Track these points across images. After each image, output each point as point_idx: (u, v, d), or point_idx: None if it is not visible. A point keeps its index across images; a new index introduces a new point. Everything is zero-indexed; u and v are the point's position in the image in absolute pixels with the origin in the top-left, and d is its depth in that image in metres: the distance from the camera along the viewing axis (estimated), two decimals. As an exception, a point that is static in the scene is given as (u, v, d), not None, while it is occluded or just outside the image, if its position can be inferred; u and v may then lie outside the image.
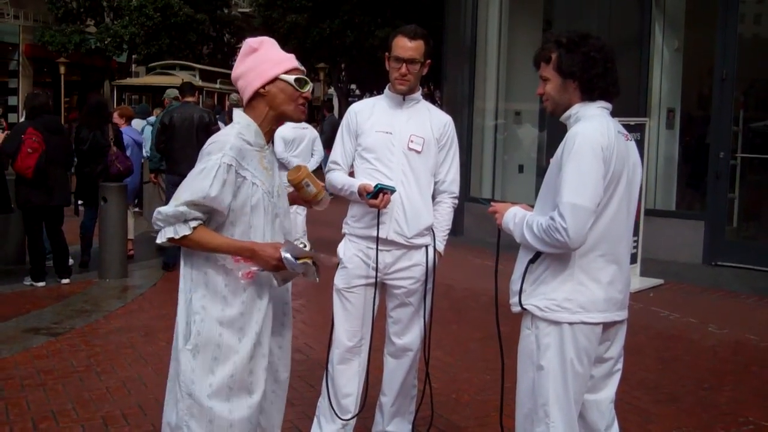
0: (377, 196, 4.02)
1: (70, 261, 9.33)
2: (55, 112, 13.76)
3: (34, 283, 8.83)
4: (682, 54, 11.96)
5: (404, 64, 4.15)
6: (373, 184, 4.04)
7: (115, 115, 11.32)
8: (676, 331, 7.47)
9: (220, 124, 10.46)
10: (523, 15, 13.77)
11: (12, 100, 31.39)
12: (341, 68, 34.27)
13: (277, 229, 3.36)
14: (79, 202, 10.65)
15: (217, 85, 25.16)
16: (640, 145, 8.83)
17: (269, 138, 3.40)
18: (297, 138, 11.21)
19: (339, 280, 4.35)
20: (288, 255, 3.13)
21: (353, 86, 38.31)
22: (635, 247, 9.17)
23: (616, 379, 3.47)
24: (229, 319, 3.23)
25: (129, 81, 30.35)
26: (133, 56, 34.37)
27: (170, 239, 3.18)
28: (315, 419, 4.54)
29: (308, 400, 5.43)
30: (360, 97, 35.07)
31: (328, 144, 17.05)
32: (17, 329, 7.11)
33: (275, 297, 3.40)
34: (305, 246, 3.23)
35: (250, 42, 3.32)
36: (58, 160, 8.80)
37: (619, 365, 3.46)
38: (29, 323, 7.35)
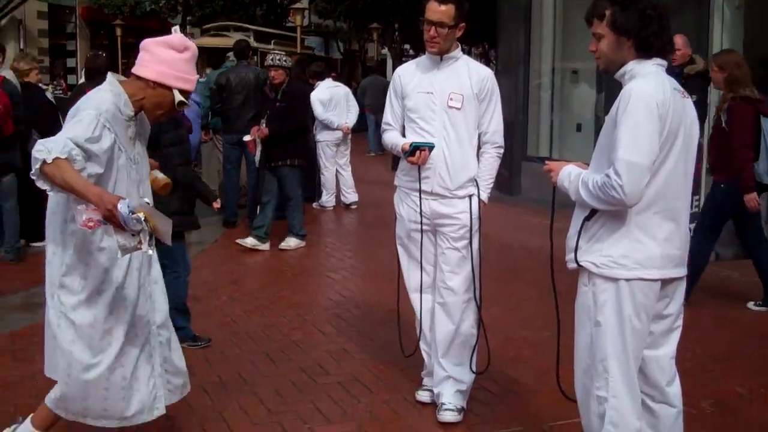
0: (414, 153, 4.31)
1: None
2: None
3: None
4: (743, 12, 11.67)
5: (433, 27, 4.36)
6: (410, 144, 4.34)
7: None
8: (738, 289, 7.38)
9: None
10: (580, -27, 13.55)
11: (70, 62, 31.87)
12: (394, 28, 34.07)
13: (142, 193, 3.57)
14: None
15: (271, 46, 25.19)
16: (701, 104, 8.68)
17: (137, 111, 3.55)
18: (333, 97, 11.50)
19: (398, 229, 4.71)
20: (123, 205, 3.07)
21: (407, 46, 38.08)
22: (697, 206, 9.06)
23: (676, 335, 3.48)
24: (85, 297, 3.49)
25: (184, 43, 30.45)
26: (188, 18, 34.56)
27: (43, 163, 3.11)
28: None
29: (368, 352, 5.57)
30: (414, 58, 34.83)
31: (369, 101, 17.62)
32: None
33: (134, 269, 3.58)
34: (150, 204, 3.21)
35: (179, 40, 3.51)
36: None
37: (679, 322, 3.47)
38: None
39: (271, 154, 8.72)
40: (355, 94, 13.36)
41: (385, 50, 35.94)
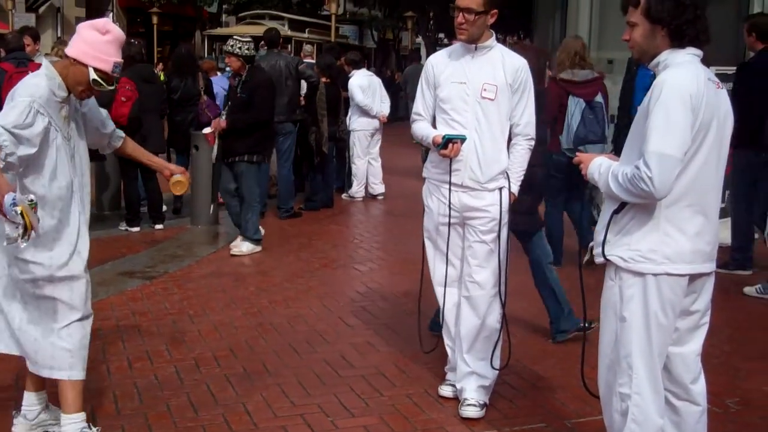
0: (447, 146, 4.23)
1: (164, 207, 9.58)
2: (148, 61, 14.02)
3: (129, 229, 9.10)
4: (785, -1, 11.47)
5: (461, 13, 4.27)
6: (442, 136, 4.26)
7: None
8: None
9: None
10: (617, -40, 13.38)
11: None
12: (429, 17, 33.97)
13: (76, 164, 3.91)
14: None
15: (306, 34, 25.25)
16: (736, 94, 8.52)
17: (71, 90, 3.83)
18: (371, 84, 11.52)
19: (426, 222, 4.64)
20: (8, 198, 3.33)
21: (441, 35, 37.95)
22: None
23: (702, 332, 3.42)
24: None
25: (219, 31, 30.70)
26: (224, 6, 34.76)
27: None
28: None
29: (393, 345, 5.54)
30: (448, 46, 34.85)
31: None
32: (113, 272, 7.36)
33: None
34: (33, 202, 3.49)
35: (103, 24, 3.81)
36: (152, 108, 8.99)
37: (706, 318, 3.41)
38: (125, 267, 7.60)
39: (227, 148, 8.09)
40: (388, 83, 13.34)
41: (419, 39, 35.83)
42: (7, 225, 3.42)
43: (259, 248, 8.28)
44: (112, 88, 3.90)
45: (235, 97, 8.13)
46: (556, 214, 7.62)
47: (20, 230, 3.38)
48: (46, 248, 3.76)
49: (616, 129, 7.83)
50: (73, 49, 3.80)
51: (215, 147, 8.21)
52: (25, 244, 3.45)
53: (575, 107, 7.28)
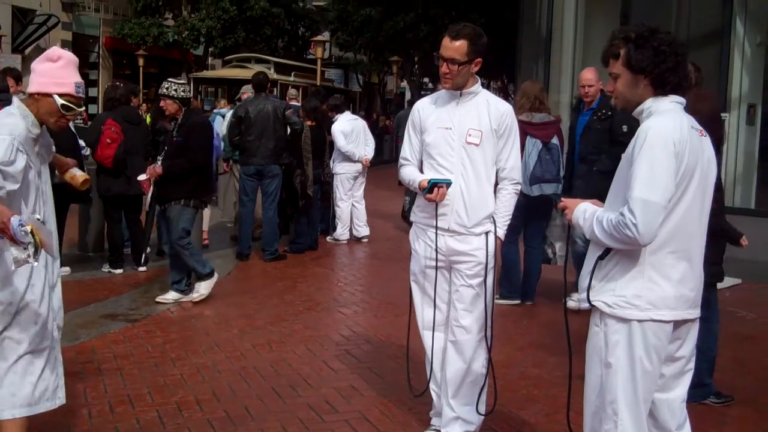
0: (432, 190, 4.27)
1: (147, 249, 9.53)
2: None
3: (113, 271, 9.06)
4: (765, 48, 11.65)
5: (445, 63, 4.35)
6: (428, 181, 4.32)
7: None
8: (753, 331, 7.30)
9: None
10: (600, 8, 13.58)
11: (92, 92, 32.11)
12: (414, 61, 34.29)
13: (45, 198, 4.00)
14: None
15: (292, 78, 25.38)
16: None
17: (45, 123, 3.95)
18: (354, 129, 11.58)
19: (413, 265, 4.65)
20: (15, 219, 3.40)
21: (426, 79, 38.27)
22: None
23: (687, 378, 3.42)
24: None
25: (205, 73, 30.80)
26: (210, 49, 34.95)
27: None
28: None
29: (377, 390, 5.50)
30: (433, 91, 35.24)
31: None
32: (95, 315, 7.30)
33: None
34: (40, 221, 3.59)
35: (53, 52, 3.95)
36: (137, 150, 9.00)
37: (691, 364, 3.41)
38: (107, 309, 7.54)
39: (163, 195, 7.73)
40: (373, 126, 13.45)
41: (404, 83, 36.11)
42: (14, 248, 3.45)
43: (215, 278, 7.95)
44: (82, 109, 3.96)
45: (171, 141, 7.80)
46: (513, 249, 7.80)
47: (31, 249, 3.43)
48: (7, 284, 3.75)
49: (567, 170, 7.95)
50: (33, 86, 3.92)
51: (149, 194, 7.92)
52: (36, 263, 3.51)
53: (532, 148, 7.50)
